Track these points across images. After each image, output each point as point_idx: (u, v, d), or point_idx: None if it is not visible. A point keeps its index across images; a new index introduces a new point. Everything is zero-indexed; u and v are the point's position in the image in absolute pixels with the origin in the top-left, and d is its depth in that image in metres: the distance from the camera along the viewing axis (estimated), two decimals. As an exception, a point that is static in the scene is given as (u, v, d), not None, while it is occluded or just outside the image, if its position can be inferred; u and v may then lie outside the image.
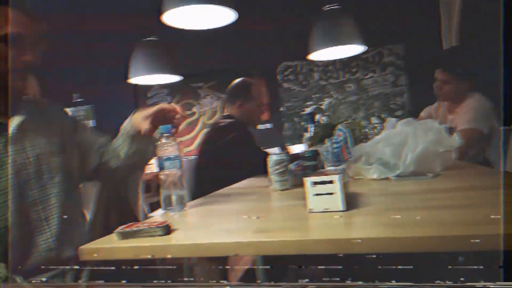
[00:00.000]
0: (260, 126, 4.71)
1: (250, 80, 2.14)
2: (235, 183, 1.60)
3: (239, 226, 0.79)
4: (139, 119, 1.05)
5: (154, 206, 3.29)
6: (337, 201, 0.76)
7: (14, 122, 0.95)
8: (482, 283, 0.49)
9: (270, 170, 1.12)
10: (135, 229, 0.70)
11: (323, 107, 4.58)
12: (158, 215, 1.11)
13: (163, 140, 0.96)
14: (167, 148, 0.96)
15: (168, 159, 0.95)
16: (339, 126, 1.28)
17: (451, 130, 1.59)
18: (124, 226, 0.73)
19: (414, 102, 4.23)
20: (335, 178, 0.77)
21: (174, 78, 3.38)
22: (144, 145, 1.09)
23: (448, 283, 0.52)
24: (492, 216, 0.60)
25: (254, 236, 0.64)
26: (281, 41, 4.33)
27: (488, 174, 1.28)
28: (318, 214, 0.76)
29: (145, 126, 1.02)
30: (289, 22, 3.94)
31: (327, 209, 0.77)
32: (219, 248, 0.62)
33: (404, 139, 1.26)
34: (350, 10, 2.69)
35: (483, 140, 1.98)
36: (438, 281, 0.53)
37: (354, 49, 2.77)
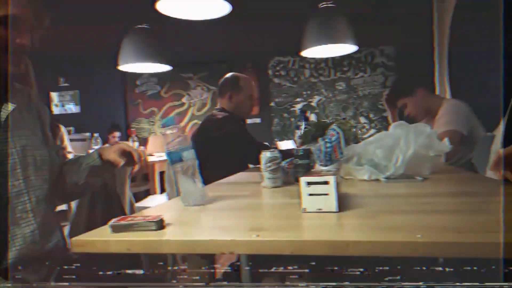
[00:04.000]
0: (249, 121, 4.71)
1: (238, 74, 2.16)
2: (228, 176, 1.59)
3: (233, 223, 0.79)
4: (108, 151, 1.06)
5: (139, 196, 3.25)
6: (331, 202, 0.77)
7: (5, 110, 0.93)
8: (482, 283, 0.49)
9: (262, 166, 1.12)
10: (128, 222, 0.69)
11: (312, 104, 4.60)
12: (150, 207, 1.10)
13: (168, 132, 0.94)
14: (180, 139, 0.93)
15: (185, 149, 0.93)
16: (333, 126, 1.29)
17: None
18: (118, 219, 0.72)
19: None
20: (331, 179, 0.77)
21: (164, 67, 3.34)
22: (103, 173, 1.11)
23: (447, 283, 0.53)
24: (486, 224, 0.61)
25: (248, 235, 0.63)
26: (274, 36, 4.32)
27: (475, 180, 1.31)
28: (311, 214, 0.77)
29: (113, 157, 1.04)
30: (283, 17, 3.92)
31: (320, 209, 0.77)
32: (214, 245, 0.62)
33: (396, 141, 1.27)
34: (344, 9, 2.70)
35: (465, 143, 2.00)
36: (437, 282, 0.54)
37: (346, 48, 2.79)
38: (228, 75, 2.17)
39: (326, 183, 0.78)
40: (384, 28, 4.01)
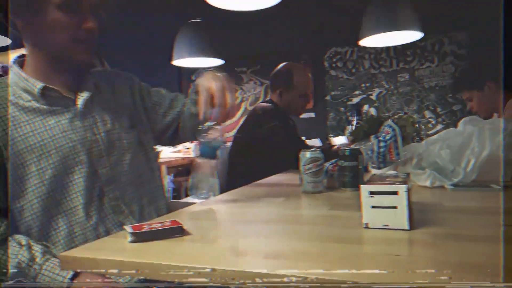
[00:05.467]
0: (303, 115, 4.54)
1: (293, 67, 1.97)
2: (269, 176, 1.48)
3: (252, 243, 0.64)
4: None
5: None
6: (401, 217, 0.62)
7: (82, 97, 0.90)
8: (481, 283, 0.42)
9: (301, 168, 0.99)
10: (150, 229, 0.62)
11: (372, 97, 4.31)
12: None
13: (208, 124, 0.88)
14: (212, 132, 0.88)
15: (217, 144, 0.89)
16: (389, 122, 1.11)
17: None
18: (134, 226, 0.65)
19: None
20: (401, 188, 0.62)
21: (218, 62, 3.30)
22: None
23: (448, 283, 0.43)
24: None
25: (266, 265, 0.51)
26: (330, 25, 4.09)
27: None
28: (374, 232, 0.62)
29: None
30: (339, 4, 3.70)
31: (387, 225, 0.63)
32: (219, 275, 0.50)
33: (466, 141, 1.07)
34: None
35: None
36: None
37: (410, 36, 2.52)
38: (282, 66, 1.98)
39: (395, 193, 0.62)
40: (455, 10, 3.60)
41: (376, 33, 2.43)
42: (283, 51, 4.40)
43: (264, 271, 0.47)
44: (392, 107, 4.22)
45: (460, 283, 0.42)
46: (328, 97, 4.48)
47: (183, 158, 3.30)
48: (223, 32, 3.65)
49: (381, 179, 0.69)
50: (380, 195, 0.62)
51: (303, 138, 2.17)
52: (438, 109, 4.04)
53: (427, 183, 1.01)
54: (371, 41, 2.63)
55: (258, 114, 1.84)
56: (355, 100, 4.36)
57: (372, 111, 4.28)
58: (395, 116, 1.22)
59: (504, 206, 0.81)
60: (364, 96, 4.33)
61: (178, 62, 3.21)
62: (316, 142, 3.47)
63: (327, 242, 0.61)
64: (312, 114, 4.49)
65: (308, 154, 0.99)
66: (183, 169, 3.35)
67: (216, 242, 0.66)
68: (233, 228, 0.77)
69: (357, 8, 2.63)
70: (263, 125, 1.75)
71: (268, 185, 1.29)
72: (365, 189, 0.63)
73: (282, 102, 1.91)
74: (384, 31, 2.41)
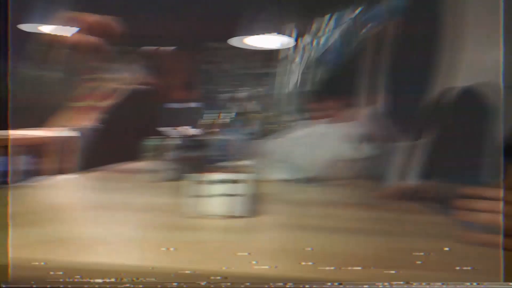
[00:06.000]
0: (175, 104, 4.41)
1: (169, 52, 1.90)
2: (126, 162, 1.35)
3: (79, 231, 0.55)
4: None
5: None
6: (239, 205, 0.61)
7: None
8: (482, 283, 0.43)
9: (153, 156, 0.90)
10: None
11: (244, 95, 4.44)
12: None
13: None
14: None
15: None
16: (247, 117, 1.11)
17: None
18: None
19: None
20: (241, 177, 0.61)
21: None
22: None
23: (448, 283, 0.43)
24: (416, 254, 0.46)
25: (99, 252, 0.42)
26: (212, 19, 4.06)
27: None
28: (210, 220, 0.59)
29: None
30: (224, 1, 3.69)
31: (224, 214, 0.60)
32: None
33: (317, 140, 1.12)
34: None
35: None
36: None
37: (282, 41, 2.65)
38: (155, 49, 1.89)
39: (234, 181, 0.61)
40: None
41: (252, 34, 2.49)
42: (163, 35, 4.19)
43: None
44: (262, 107, 4.42)
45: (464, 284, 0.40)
46: (202, 89, 4.44)
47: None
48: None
49: (224, 168, 0.66)
50: (219, 183, 0.58)
51: (178, 127, 2.09)
52: (303, 111, 4.39)
53: (278, 178, 1.04)
54: (248, 41, 2.70)
55: (131, 97, 1.70)
56: (238, 95, 4.43)
57: (244, 108, 4.42)
58: (255, 112, 1.23)
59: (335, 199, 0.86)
60: (238, 92, 4.44)
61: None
62: (188, 131, 3.40)
63: (162, 230, 0.56)
64: (189, 104, 4.39)
65: (159, 142, 0.91)
66: None
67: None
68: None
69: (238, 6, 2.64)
70: (133, 109, 1.62)
71: (120, 171, 1.17)
72: (203, 176, 0.59)
73: (154, 85, 1.81)
74: (260, 33, 2.48)
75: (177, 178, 0.97)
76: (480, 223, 0.55)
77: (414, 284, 0.42)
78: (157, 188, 0.89)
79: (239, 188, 0.60)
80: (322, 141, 1.11)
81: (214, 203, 0.59)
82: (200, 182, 0.60)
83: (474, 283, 0.42)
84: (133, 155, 1.42)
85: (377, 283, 0.41)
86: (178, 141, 1.25)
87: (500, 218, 0.52)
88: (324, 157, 1.11)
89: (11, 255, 0.42)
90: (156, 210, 0.71)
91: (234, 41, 2.59)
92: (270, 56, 3.94)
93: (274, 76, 4.11)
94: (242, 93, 4.29)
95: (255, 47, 3.73)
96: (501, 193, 0.54)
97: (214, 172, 0.61)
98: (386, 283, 0.41)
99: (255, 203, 0.68)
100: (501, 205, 0.53)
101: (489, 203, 0.54)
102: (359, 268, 0.43)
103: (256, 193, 0.69)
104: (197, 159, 0.94)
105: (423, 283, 0.41)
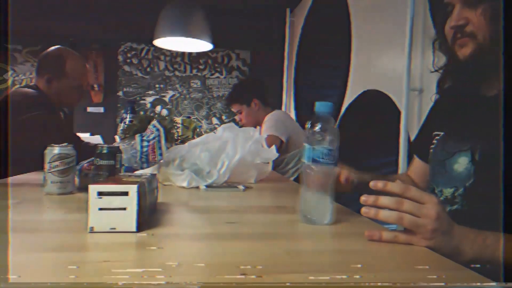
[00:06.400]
0: (90, 109, 4.16)
1: (66, 52, 1.72)
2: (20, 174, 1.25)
3: None
4: None
5: None
6: (130, 219, 0.59)
7: None
8: (481, 283, 0.44)
9: (47, 166, 0.85)
10: None
11: (165, 99, 4.35)
12: None
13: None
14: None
15: None
16: (154, 122, 1.10)
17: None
18: None
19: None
20: (132, 189, 0.58)
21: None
22: None
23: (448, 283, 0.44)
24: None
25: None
26: (128, 19, 3.93)
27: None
28: (100, 235, 0.57)
29: None
30: (140, 2, 3.59)
31: (114, 228, 0.58)
32: None
33: (223, 145, 1.16)
34: (203, 6, 2.56)
35: (285, 149, 2.15)
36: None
37: (202, 46, 2.66)
38: (52, 49, 1.71)
39: (125, 193, 0.58)
40: (240, 31, 4.06)
41: (170, 36, 2.46)
42: (72, 35, 3.93)
43: None
44: (183, 111, 4.37)
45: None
46: (120, 93, 4.26)
47: None
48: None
49: (116, 179, 0.65)
50: (109, 196, 0.58)
51: (88, 134, 1.95)
52: (223, 117, 4.43)
53: (184, 184, 1.05)
54: (166, 43, 2.65)
55: (15, 100, 1.53)
56: (149, 99, 4.31)
57: (165, 113, 4.32)
58: (161, 117, 1.22)
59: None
60: (157, 97, 4.33)
61: None
62: (97, 139, 3.21)
63: (42, 251, 0.52)
64: (101, 109, 4.17)
65: (56, 150, 0.86)
66: None
67: None
68: None
69: (154, 7, 2.59)
70: (21, 114, 1.47)
71: (6, 185, 1.07)
72: (93, 189, 0.57)
73: (50, 90, 1.65)
74: (178, 36, 2.46)
75: (74, 191, 0.93)
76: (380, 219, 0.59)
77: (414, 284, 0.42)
78: (51, 202, 0.84)
79: (129, 201, 0.58)
80: (226, 146, 1.15)
81: (103, 217, 0.58)
82: (93, 194, 0.58)
83: (474, 283, 0.43)
84: (27, 166, 1.32)
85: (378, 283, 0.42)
86: (81, 149, 1.19)
87: (400, 215, 0.56)
88: (232, 161, 1.15)
89: None
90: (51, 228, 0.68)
91: (157, 42, 2.53)
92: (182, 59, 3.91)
93: (184, 80, 4.09)
94: (151, 97, 4.20)
95: (166, 49, 3.69)
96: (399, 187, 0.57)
97: (108, 183, 0.60)
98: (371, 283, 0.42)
99: (150, 215, 0.69)
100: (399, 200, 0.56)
101: (388, 199, 0.57)
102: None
103: (151, 204, 0.70)
104: (111, 167, 0.91)
105: (424, 283, 0.42)
